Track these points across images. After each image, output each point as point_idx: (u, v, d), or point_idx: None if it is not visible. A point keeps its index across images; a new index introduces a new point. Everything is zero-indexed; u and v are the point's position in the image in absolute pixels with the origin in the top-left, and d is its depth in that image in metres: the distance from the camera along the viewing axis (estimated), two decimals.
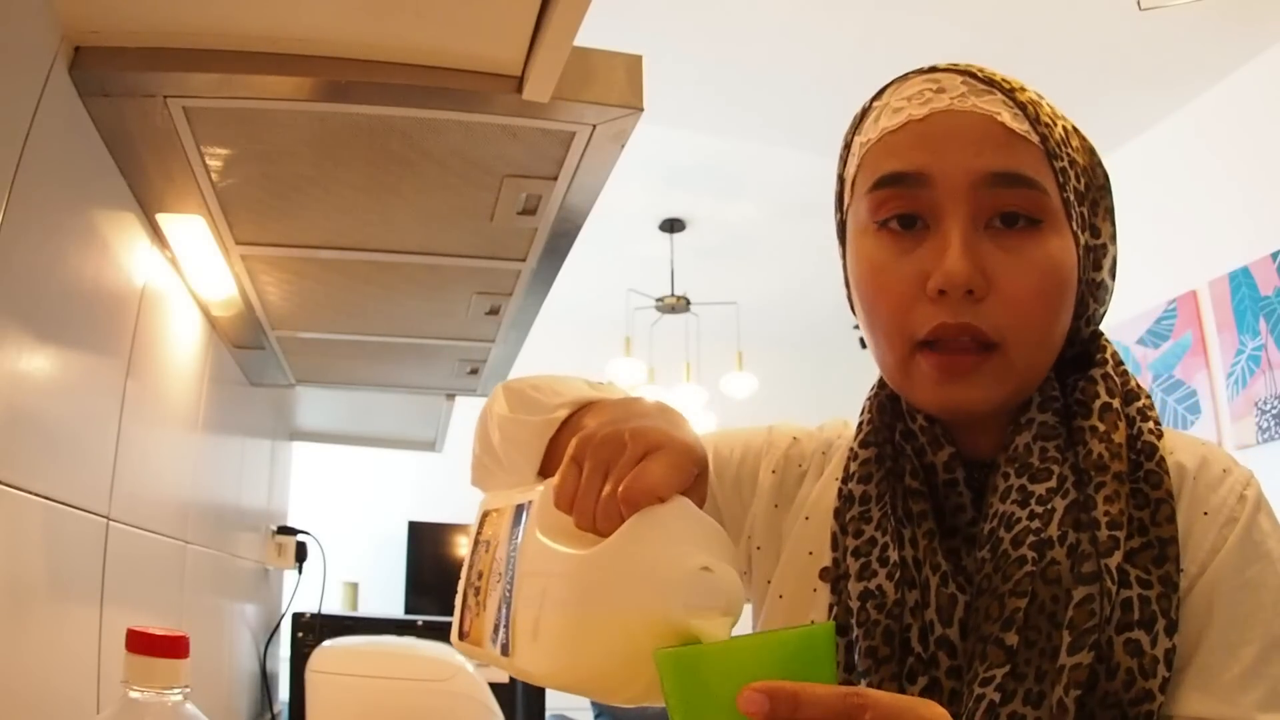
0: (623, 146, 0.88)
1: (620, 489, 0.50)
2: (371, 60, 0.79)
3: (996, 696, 0.57)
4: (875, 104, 0.69)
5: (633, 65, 0.82)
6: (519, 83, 0.80)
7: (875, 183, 0.66)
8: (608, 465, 0.51)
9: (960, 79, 0.65)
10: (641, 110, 0.83)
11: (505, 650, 0.56)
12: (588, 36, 0.76)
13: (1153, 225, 3.21)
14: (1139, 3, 2.33)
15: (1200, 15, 2.70)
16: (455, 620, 0.65)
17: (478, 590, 0.62)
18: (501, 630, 0.56)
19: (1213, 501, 0.63)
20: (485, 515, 0.67)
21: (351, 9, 0.74)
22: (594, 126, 0.84)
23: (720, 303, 4.83)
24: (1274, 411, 2.89)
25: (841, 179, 0.73)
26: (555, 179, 0.94)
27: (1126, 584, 0.59)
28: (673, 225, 4.51)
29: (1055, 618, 0.59)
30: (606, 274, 4.57)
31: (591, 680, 0.51)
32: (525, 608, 0.55)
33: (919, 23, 2.92)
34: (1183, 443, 0.67)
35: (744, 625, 0.64)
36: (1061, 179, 0.63)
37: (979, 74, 0.65)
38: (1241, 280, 3.04)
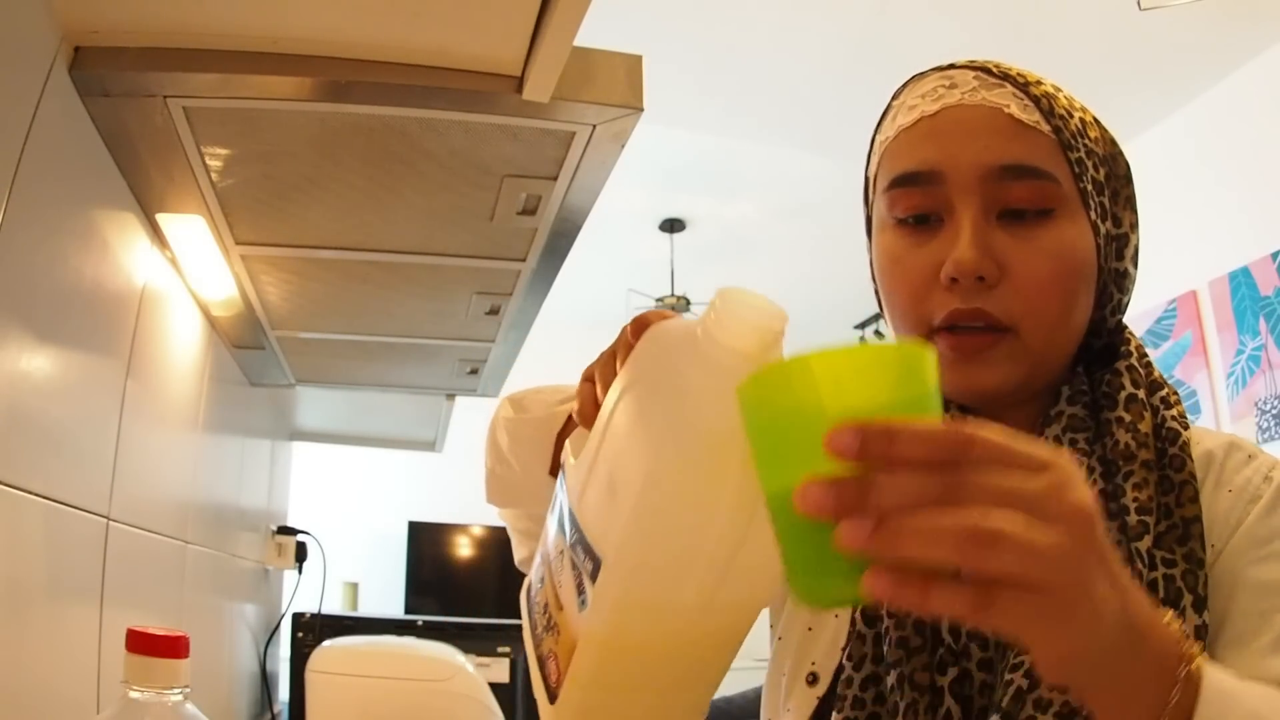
0: (623, 146, 0.88)
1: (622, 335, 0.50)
2: (371, 60, 0.79)
3: (1025, 683, 0.57)
4: (894, 103, 0.71)
5: (632, 65, 0.82)
6: (519, 83, 0.80)
7: (891, 182, 0.67)
8: (612, 356, 0.52)
9: (973, 74, 0.66)
10: (641, 110, 0.83)
11: (595, 573, 0.48)
12: (588, 36, 0.76)
13: (1153, 225, 3.17)
14: (1139, 3, 2.33)
15: (1200, 15, 2.70)
16: (539, 681, 0.55)
17: (549, 622, 0.54)
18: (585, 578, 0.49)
19: (1237, 481, 0.64)
20: (529, 589, 0.61)
21: (351, 9, 0.74)
22: (594, 126, 0.84)
23: None
24: (1274, 411, 2.88)
25: (866, 177, 0.74)
26: (555, 179, 0.94)
27: (1152, 566, 0.59)
28: (673, 225, 4.51)
29: None
30: (606, 274, 4.57)
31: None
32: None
33: (918, 23, 2.92)
34: (1210, 434, 0.68)
35: (761, 626, 0.62)
36: (1078, 169, 0.64)
37: (994, 69, 0.66)
38: (1241, 280, 3.04)
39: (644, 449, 0.44)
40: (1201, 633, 0.57)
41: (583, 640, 0.48)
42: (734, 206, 4.38)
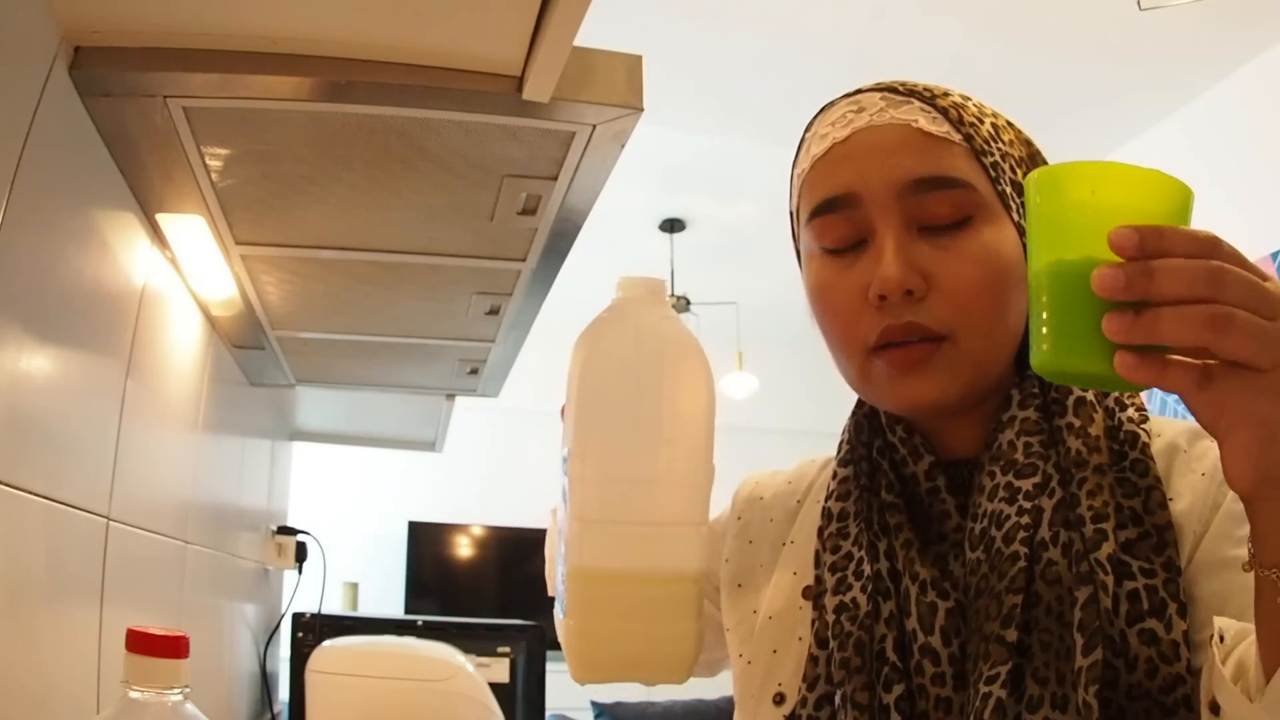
0: (623, 146, 0.88)
1: None
2: (371, 60, 0.79)
3: (1003, 694, 0.57)
4: (806, 135, 0.72)
5: (633, 65, 0.82)
6: (519, 83, 0.80)
7: (812, 212, 0.69)
8: None
9: (880, 96, 0.68)
10: (641, 110, 0.83)
11: (568, 468, 0.60)
12: (588, 36, 0.76)
13: None
14: (1139, 3, 2.33)
15: (1200, 15, 2.70)
16: (560, 617, 0.63)
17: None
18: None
19: (1206, 464, 0.64)
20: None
21: (351, 9, 0.74)
22: (594, 126, 0.84)
23: (720, 303, 4.83)
24: None
25: (790, 211, 0.76)
26: (555, 179, 0.94)
27: (1130, 576, 0.59)
28: (673, 225, 4.51)
29: (1064, 618, 0.59)
30: (607, 274, 4.57)
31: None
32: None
33: (918, 23, 2.93)
34: (1170, 424, 0.68)
35: (723, 678, 0.67)
36: (994, 173, 0.66)
37: (899, 88, 0.68)
38: None
39: (579, 363, 0.59)
40: (1188, 639, 0.57)
41: (571, 529, 0.59)
42: (734, 206, 4.38)
